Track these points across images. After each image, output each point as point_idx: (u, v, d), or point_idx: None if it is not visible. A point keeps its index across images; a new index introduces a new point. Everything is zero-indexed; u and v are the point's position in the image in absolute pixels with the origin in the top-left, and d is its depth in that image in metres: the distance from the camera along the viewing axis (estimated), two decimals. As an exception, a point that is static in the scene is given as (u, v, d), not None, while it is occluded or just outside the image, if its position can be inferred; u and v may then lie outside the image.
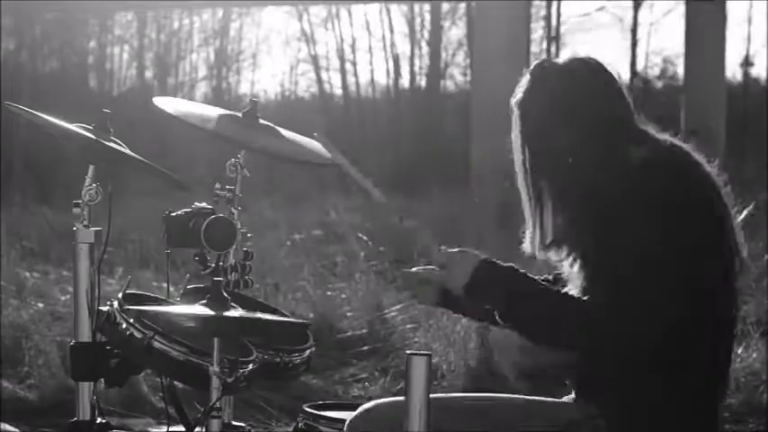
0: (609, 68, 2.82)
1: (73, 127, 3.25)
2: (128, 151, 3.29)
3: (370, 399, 5.94)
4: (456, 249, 2.77)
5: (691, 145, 2.77)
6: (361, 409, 2.85)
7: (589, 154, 2.73)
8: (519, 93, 2.83)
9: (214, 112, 3.41)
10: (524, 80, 2.83)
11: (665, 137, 2.78)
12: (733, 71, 22.93)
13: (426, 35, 25.36)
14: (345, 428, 2.83)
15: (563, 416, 2.74)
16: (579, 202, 2.73)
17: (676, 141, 2.77)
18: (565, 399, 2.85)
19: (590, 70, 2.80)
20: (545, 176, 2.80)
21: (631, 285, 2.56)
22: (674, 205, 2.61)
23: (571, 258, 2.78)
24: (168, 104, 3.40)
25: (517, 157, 2.84)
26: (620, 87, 2.81)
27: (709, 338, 2.70)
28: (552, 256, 2.85)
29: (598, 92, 2.78)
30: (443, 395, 2.92)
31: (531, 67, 2.84)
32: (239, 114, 3.38)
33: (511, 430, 2.73)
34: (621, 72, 2.87)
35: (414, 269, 2.97)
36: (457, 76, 25.23)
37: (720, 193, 2.72)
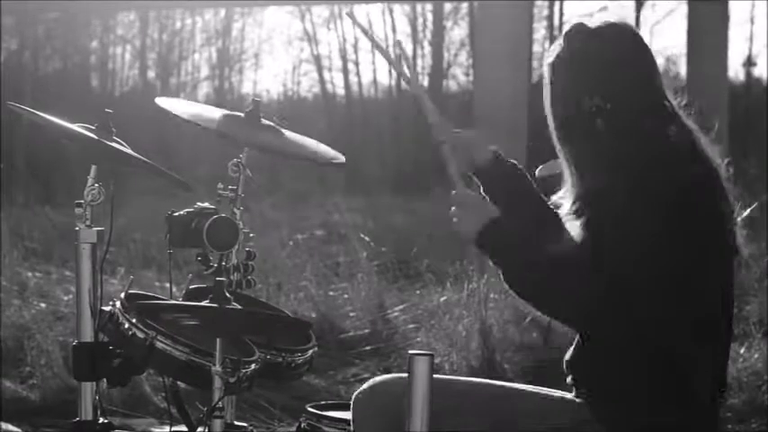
0: (641, 41, 2.80)
1: (75, 127, 3.25)
2: (130, 151, 3.29)
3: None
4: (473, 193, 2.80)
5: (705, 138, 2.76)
6: (366, 384, 2.86)
7: (616, 120, 2.71)
8: (552, 54, 2.81)
9: (217, 113, 3.41)
10: (558, 42, 2.82)
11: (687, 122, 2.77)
12: (735, 71, 22.94)
13: (429, 35, 25.38)
14: (351, 403, 2.84)
15: (564, 414, 2.74)
16: (601, 168, 2.71)
17: (695, 130, 2.76)
18: (568, 396, 2.85)
19: (624, 38, 2.78)
20: (573, 139, 2.78)
21: (630, 281, 2.56)
22: (685, 199, 2.60)
23: (578, 217, 2.75)
24: (171, 105, 3.40)
25: (549, 119, 2.82)
26: (652, 61, 2.79)
27: (708, 338, 2.70)
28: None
29: (630, 60, 2.76)
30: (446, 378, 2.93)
31: (567, 29, 2.83)
32: (241, 114, 3.38)
33: (513, 424, 2.73)
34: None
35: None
36: (459, 75, 25.25)
37: (725, 191, 2.71)
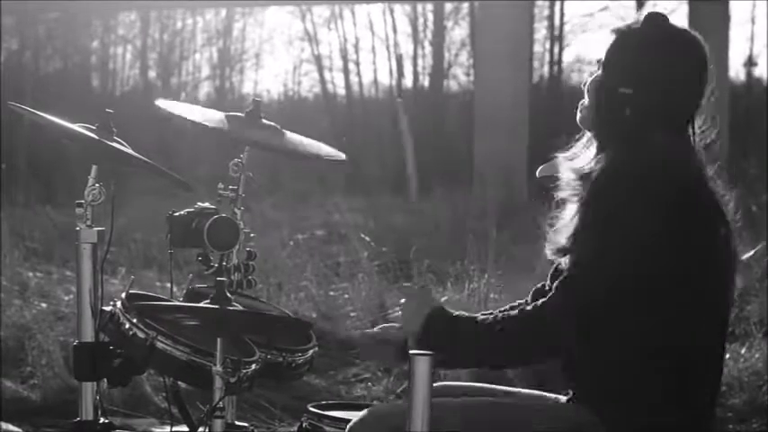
0: (697, 50, 2.83)
1: (76, 127, 3.25)
2: (130, 151, 3.29)
3: (373, 399, 5.97)
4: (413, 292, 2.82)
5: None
6: (363, 413, 2.83)
7: (637, 117, 2.72)
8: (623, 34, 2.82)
9: (217, 115, 3.42)
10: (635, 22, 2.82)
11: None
12: (736, 71, 22.92)
13: (429, 35, 25.35)
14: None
15: (563, 417, 2.73)
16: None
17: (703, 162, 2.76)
18: (562, 399, 2.85)
19: (688, 51, 2.81)
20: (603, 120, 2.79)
21: (630, 281, 2.57)
22: (678, 206, 2.61)
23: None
24: (171, 107, 3.41)
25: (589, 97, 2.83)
26: (689, 72, 2.80)
27: (707, 338, 2.70)
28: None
29: (677, 71, 2.78)
30: (444, 384, 2.92)
31: (619, 27, 2.84)
32: (242, 115, 3.38)
33: (510, 429, 2.73)
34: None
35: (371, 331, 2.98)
36: (460, 75, 25.23)
37: (722, 206, 2.72)
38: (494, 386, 3.00)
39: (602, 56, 2.80)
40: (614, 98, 2.74)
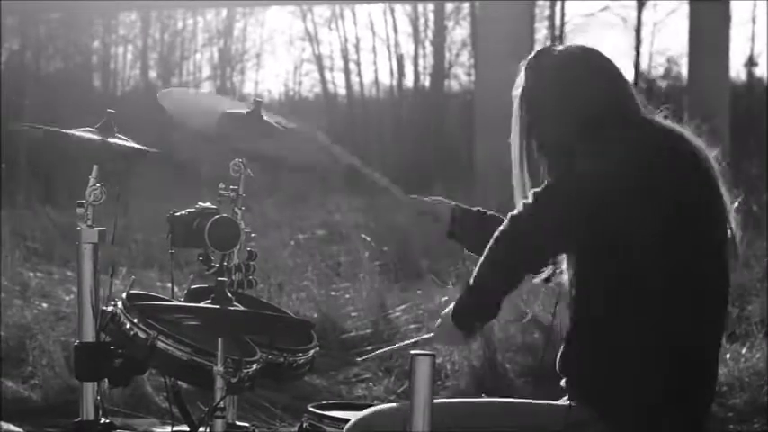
0: (600, 56, 2.83)
1: (77, 132, 3.24)
2: (132, 144, 3.28)
3: (373, 399, 5.97)
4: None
5: (689, 132, 2.77)
6: (358, 416, 2.83)
7: (575, 142, 2.73)
8: (517, 87, 2.86)
9: (220, 107, 3.40)
10: (521, 74, 2.86)
11: (660, 124, 2.77)
12: (737, 71, 22.94)
13: (430, 35, 25.37)
14: None
15: (560, 420, 2.73)
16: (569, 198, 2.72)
17: (669, 128, 2.76)
18: (560, 402, 2.85)
19: (579, 59, 2.82)
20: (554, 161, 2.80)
21: (631, 281, 2.58)
22: (683, 200, 2.61)
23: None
24: (174, 101, 3.40)
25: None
26: (609, 75, 2.81)
27: (706, 336, 2.71)
28: None
29: (584, 80, 2.79)
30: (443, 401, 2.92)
31: (526, 60, 2.88)
32: (243, 111, 3.37)
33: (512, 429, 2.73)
34: (625, 72, 2.86)
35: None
36: (461, 75, 25.25)
37: (711, 183, 2.71)
38: (491, 399, 2.99)
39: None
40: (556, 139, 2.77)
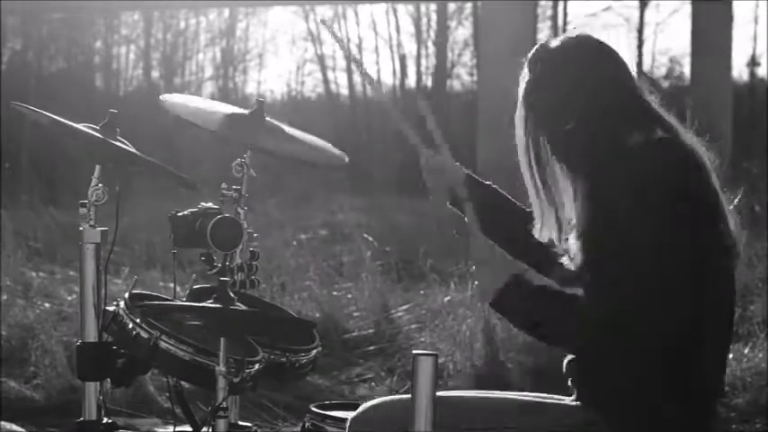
0: (603, 48, 2.79)
1: (80, 127, 3.25)
2: (133, 150, 3.29)
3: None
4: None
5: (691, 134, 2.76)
6: (361, 407, 2.84)
7: (583, 140, 2.71)
8: (521, 85, 2.83)
9: (221, 109, 3.41)
10: (524, 72, 2.84)
11: (666, 122, 2.76)
12: (739, 71, 22.90)
13: (433, 35, 25.35)
14: (347, 427, 2.83)
15: (565, 418, 2.73)
16: (580, 185, 2.72)
17: (673, 129, 2.75)
18: (566, 400, 2.84)
19: (584, 52, 2.79)
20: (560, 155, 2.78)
21: (624, 283, 2.56)
22: (662, 196, 2.59)
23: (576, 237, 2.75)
24: (176, 102, 3.40)
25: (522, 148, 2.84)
26: (615, 69, 2.78)
27: (709, 338, 2.70)
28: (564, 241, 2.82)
29: (590, 75, 2.76)
30: (447, 393, 2.92)
31: (528, 57, 2.85)
32: (246, 112, 3.38)
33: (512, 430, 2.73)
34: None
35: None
36: (463, 75, 25.22)
37: (716, 186, 2.70)
38: (493, 392, 2.98)
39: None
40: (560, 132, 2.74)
